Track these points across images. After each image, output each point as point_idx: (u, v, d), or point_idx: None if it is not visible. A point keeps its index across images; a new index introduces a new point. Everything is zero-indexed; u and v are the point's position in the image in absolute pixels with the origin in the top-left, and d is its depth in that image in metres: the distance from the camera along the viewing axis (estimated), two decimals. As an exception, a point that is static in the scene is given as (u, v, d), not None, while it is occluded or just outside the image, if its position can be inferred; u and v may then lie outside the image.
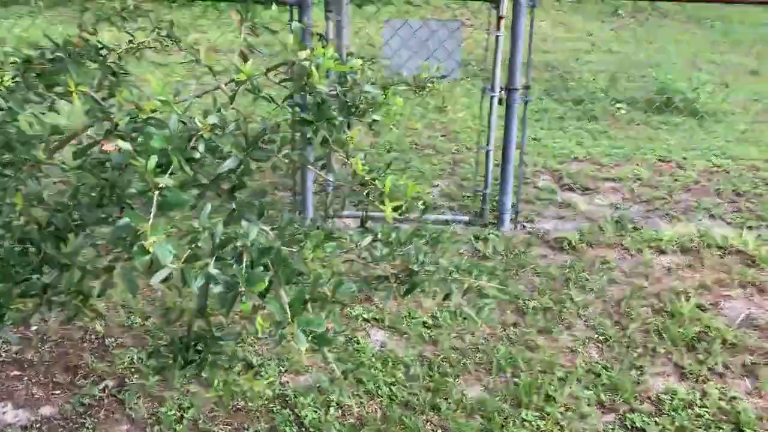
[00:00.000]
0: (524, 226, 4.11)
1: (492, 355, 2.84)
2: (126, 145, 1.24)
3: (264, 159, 1.44)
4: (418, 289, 1.70)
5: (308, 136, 1.46)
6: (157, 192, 1.14)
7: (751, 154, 5.32)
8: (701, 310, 3.21)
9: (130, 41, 2.10)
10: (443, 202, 4.36)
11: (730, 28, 10.35)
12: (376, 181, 1.44)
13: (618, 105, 6.46)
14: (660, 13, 11.23)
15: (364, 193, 1.51)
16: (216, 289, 1.20)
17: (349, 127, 1.55)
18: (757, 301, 3.32)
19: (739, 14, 10.97)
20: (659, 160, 5.23)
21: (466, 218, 4.13)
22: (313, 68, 1.44)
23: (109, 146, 1.38)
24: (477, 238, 3.91)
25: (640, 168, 5.02)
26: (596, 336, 3.03)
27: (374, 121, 1.59)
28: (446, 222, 4.05)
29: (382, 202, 1.47)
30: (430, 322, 3.07)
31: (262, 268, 1.28)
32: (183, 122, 1.28)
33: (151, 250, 1.07)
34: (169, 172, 1.21)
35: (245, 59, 1.71)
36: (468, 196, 4.39)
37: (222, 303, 1.21)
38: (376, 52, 7.08)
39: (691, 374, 2.75)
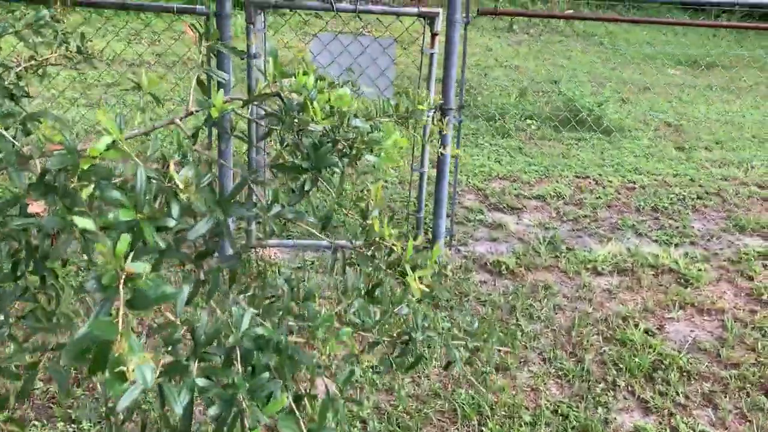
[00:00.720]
0: (459, 250, 3.94)
1: (453, 401, 2.61)
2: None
3: (246, 217, 1.12)
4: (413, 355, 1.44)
5: (306, 188, 1.16)
6: (127, 284, 0.81)
7: (660, 169, 5.47)
8: (649, 335, 3.16)
9: (32, 57, 1.71)
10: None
11: (617, 45, 10.86)
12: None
13: (529, 121, 6.51)
14: (552, 28, 11.63)
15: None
16: (211, 411, 0.87)
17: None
18: (698, 322, 3.32)
19: (623, 32, 11.55)
20: (577, 176, 5.27)
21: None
22: (309, 102, 1.15)
23: (36, 207, 1.01)
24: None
25: (560, 185, 5.02)
26: (554, 371, 2.88)
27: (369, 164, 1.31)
28: (379, 249, 3.79)
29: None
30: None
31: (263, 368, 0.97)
32: (151, 178, 0.94)
33: (130, 375, 0.74)
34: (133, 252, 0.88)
35: (203, 88, 1.38)
36: (399, 220, 4.17)
37: (219, 428, 0.88)
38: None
39: (655, 408, 2.66)
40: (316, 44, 3.46)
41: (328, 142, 1.21)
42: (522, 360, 2.93)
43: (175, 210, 0.95)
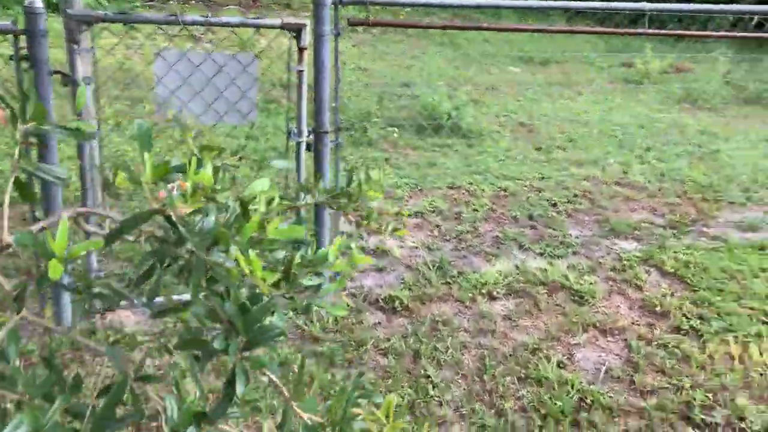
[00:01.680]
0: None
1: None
2: None
3: None
4: None
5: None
6: None
7: (525, 173, 5.42)
8: (561, 368, 2.96)
9: None
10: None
11: (456, 45, 10.98)
12: None
13: (390, 129, 6.23)
14: (391, 28, 11.51)
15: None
16: None
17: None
18: (604, 345, 3.18)
19: (461, 31, 11.71)
20: (449, 187, 5.06)
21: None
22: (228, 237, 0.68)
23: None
24: (295, 310, 3.22)
25: (435, 198, 4.78)
26: (476, 430, 2.56)
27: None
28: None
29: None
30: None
31: None
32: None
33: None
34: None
35: (24, 192, 0.85)
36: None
37: None
38: (143, 93, 5.90)
39: (590, 460, 2.43)
40: (160, 64, 2.86)
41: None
42: (440, 421, 2.59)
43: None
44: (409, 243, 4.11)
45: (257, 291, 0.80)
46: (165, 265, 0.88)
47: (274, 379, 0.81)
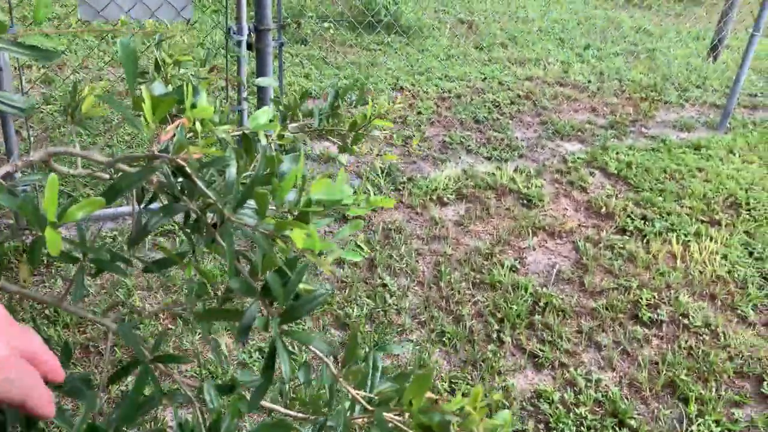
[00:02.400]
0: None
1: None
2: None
3: None
4: None
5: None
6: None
7: (468, 74, 5.30)
8: (514, 271, 2.99)
9: None
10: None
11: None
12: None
13: (326, 24, 5.91)
14: None
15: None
16: None
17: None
18: (552, 247, 3.23)
19: None
20: (392, 89, 4.90)
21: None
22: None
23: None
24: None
25: (379, 101, 4.61)
26: (435, 337, 2.58)
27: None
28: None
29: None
30: None
31: None
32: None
33: None
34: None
35: None
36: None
37: None
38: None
39: (547, 361, 2.50)
40: (80, -49, 2.51)
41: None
42: (399, 329, 2.59)
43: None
44: (355, 149, 3.97)
45: (291, 253, 0.68)
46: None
47: (320, 353, 0.71)
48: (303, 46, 5.54)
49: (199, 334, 2.42)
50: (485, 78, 5.25)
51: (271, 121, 0.82)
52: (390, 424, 0.66)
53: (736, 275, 3.07)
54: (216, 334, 2.44)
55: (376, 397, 0.72)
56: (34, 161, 0.60)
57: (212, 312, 0.74)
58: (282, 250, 0.65)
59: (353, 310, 2.65)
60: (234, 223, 0.63)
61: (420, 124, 4.37)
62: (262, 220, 0.62)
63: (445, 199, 3.53)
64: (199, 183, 0.63)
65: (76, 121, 0.69)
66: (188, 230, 0.71)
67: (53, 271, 2.67)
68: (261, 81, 2.08)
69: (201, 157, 0.64)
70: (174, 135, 0.62)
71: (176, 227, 2.84)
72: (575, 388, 2.39)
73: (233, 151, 0.69)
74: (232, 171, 0.66)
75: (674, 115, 4.90)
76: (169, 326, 2.46)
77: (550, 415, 2.26)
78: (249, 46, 3.01)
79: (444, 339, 2.57)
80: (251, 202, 0.64)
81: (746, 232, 3.41)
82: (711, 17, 7.75)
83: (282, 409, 0.79)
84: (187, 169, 0.62)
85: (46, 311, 2.46)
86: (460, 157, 4.02)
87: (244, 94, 3.05)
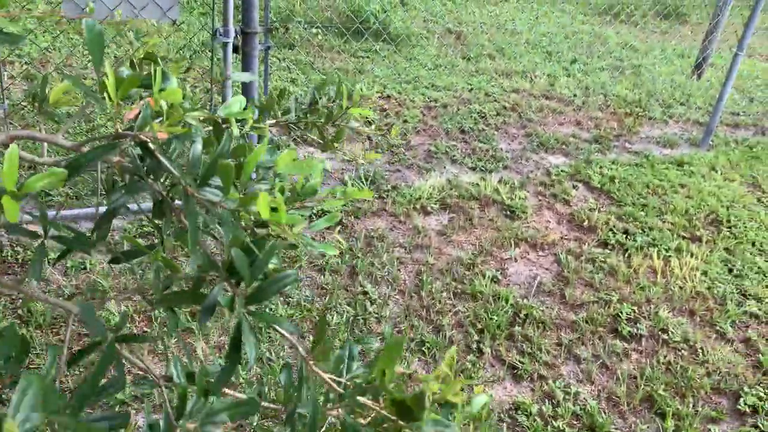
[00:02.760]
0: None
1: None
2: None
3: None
4: None
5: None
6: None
7: (455, 84, 5.31)
8: (495, 282, 2.99)
9: None
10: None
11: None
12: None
13: (314, 30, 5.89)
14: None
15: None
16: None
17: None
18: (534, 259, 3.23)
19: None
20: (380, 96, 4.89)
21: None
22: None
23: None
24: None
25: (365, 108, 4.60)
26: (415, 346, 2.56)
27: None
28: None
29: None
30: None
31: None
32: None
33: None
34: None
35: None
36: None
37: None
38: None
39: (526, 373, 2.49)
40: (66, -54, 2.47)
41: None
42: (379, 337, 2.57)
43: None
44: (340, 155, 3.96)
45: (257, 232, 0.67)
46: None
47: (287, 335, 0.69)
48: (290, 50, 5.52)
49: (175, 338, 2.38)
50: (472, 89, 5.26)
51: (244, 109, 0.80)
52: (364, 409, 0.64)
53: (715, 291, 3.09)
54: (192, 338, 2.41)
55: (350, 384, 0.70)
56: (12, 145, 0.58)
57: (176, 295, 0.72)
58: (248, 226, 0.63)
59: (333, 317, 2.63)
60: (197, 200, 0.61)
61: (406, 133, 4.36)
62: (227, 196, 0.61)
63: (428, 208, 3.52)
64: (163, 159, 0.61)
65: (43, 111, 0.67)
66: (154, 217, 0.70)
67: (27, 270, 2.61)
68: (240, 75, 2.06)
69: (166, 137, 0.62)
70: (139, 114, 0.61)
71: (153, 228, 2.80)
72: (553, 401, 2.38)
73: (200, 132, 0.68)
74: (197, 147, 0.65)
75: (658, 131, 4.94)
76: (145, 329, 2.42)
77: (528, 427, 2.25)
78: (235, 49, 2.99)
79: (423, 348, 2.55)
80: (216, 180, 0.63)
81: (726, 249, 3.44)
82: (696, 35, 7.86)
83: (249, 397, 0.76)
84: (150, 146, 0.61)
85: (19, 311, 2.41)
86: (444, 167, 4.01)
87: (229, 92, 3.02)
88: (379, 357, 0.61)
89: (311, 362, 0.71)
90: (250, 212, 0.63)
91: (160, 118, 0.65)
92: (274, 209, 0.67)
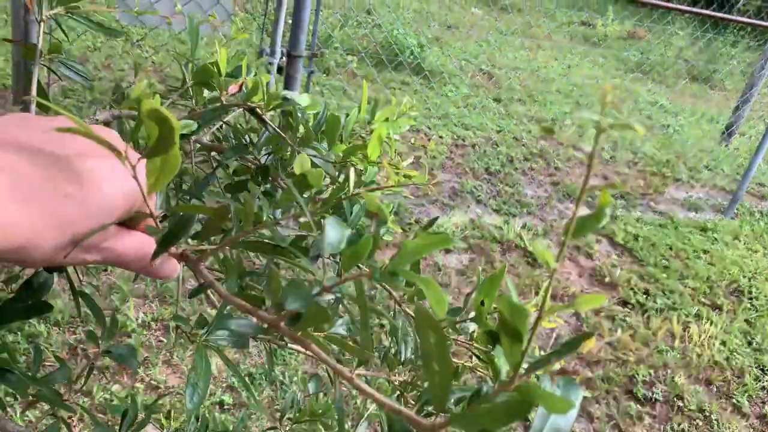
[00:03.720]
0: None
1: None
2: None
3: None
4: None
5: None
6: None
7: (484, 125, 5.34)
8: (513, 330, 2.95)
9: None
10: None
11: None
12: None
13: (350, 57, 5.96)
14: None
15: None
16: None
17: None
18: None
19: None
20: (408, 129, 4.91)
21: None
22: None
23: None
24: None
25: (395, 140, 4.63)
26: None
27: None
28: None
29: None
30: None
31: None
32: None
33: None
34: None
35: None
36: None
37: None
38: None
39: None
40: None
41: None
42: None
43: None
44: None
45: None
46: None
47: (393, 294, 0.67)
48: (325, 75, 5.57)
49: (191, 349, 2.36)
50: (500, 130, 5.28)
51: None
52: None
53: (733, 363, 3.04)
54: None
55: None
56: (100, 121, 0.63)
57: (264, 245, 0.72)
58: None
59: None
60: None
61: (432, 168, 4.37)
62: (332, 148, 0.66)
63: (450, 246, 3.50)
64: (270, 123, 0.68)
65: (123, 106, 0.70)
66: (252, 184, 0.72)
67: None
68: (289, 94, 2.07)
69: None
70: (240, 89, 0.69)
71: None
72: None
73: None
74: (298, 115, 0.70)
75: (683, 194, 4.93)
76: (161, 338, 2.41)
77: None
78: (279, 70, 3.02)
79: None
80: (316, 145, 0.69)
81: (747, 321, 3.39)
82: (728, 101, 7.87)
83: None
84: (258, 111, 0.67)
85: (38, 307, 2.40)
86: (468, 206, 4.01)
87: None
88: (482, 286, 0.58)
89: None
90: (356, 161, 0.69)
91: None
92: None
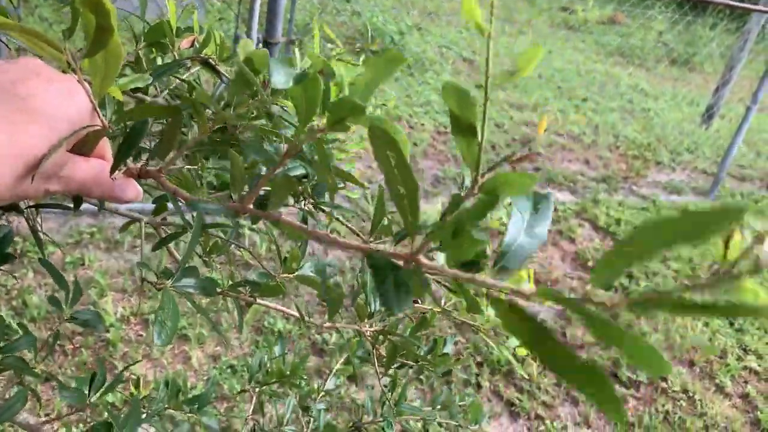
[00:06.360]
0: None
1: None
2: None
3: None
4: None
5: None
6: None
7: (466, 111, 5.31)
8: (497, 317, 2.95)
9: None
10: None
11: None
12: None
13: (330, 45, 5.89)
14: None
15: None
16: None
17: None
18: (537, 295, 3.20)
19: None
20: (390, 117, 4.88)
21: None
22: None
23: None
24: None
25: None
26: (413, 374, 2.51)
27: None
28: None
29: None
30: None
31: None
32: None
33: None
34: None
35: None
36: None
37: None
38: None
39: (523, 411, 2.44)
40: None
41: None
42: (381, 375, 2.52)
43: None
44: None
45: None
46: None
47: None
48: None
49: (171, 345, 2.33)
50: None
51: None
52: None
53: (716, 344, 3.06)
54: (187, 345, 2.35)
55: None
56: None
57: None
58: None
59: (332, 336, 2.58)
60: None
61: (414, 155, 4.35)
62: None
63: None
64: (224, 74, 0.68)
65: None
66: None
67: (24, 261, 2.56)
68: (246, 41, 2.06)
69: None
70: (192, 45, 0.71)
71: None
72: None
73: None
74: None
75: (665, 177, 4.95)
76: (140, 333, 2.37)
77: (523, 468, 2.21)
78: (256, 58, 2.97)
79: (422, 377, 2.50)
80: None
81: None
82: (708, 85, 7.91)
83: None
84: (211, 61, 0.67)
85: (13, 302, 2.35)
86: (451, 193, 3.99)
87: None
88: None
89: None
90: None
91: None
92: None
